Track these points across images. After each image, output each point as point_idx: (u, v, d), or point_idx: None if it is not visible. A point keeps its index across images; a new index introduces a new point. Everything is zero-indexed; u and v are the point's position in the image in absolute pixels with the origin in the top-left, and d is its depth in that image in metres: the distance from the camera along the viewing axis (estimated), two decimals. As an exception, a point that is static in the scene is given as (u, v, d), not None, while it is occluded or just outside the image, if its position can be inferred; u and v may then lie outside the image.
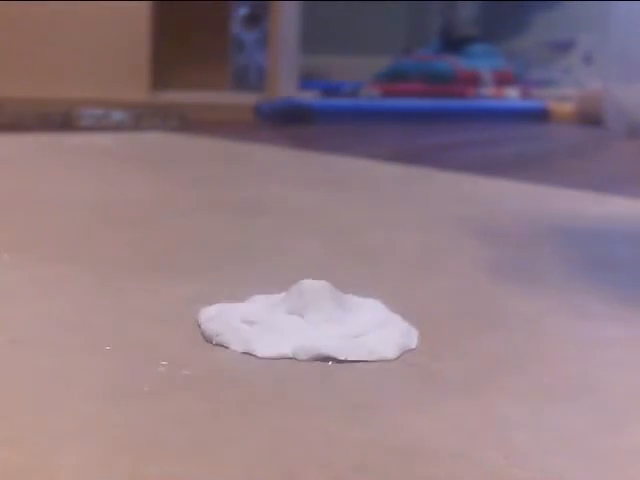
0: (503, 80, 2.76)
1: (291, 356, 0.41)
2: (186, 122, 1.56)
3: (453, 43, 3.03)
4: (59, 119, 1.44)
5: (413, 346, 0.43)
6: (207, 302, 0.47)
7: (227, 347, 0.42)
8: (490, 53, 2.94)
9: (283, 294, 0.45)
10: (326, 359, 0.41)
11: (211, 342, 0.43)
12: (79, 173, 0.99)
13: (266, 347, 0.41)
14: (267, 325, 0.43)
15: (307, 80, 2.51)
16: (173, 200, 0.84)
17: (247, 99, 2.07)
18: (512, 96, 2.59)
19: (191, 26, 2.29)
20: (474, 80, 2.73)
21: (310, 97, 2.26)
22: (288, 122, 1.88)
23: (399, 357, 0.42)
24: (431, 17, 3.35)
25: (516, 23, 3.28)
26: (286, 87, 2.14)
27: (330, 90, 2.59)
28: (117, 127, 1.46)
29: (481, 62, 2.83)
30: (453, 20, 3.28)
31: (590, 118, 2.09)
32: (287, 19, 2.15)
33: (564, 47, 3.06)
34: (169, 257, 0.61)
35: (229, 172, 1.06)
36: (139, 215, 0.75)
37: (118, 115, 1.46)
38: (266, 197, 0.88)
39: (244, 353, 0.41)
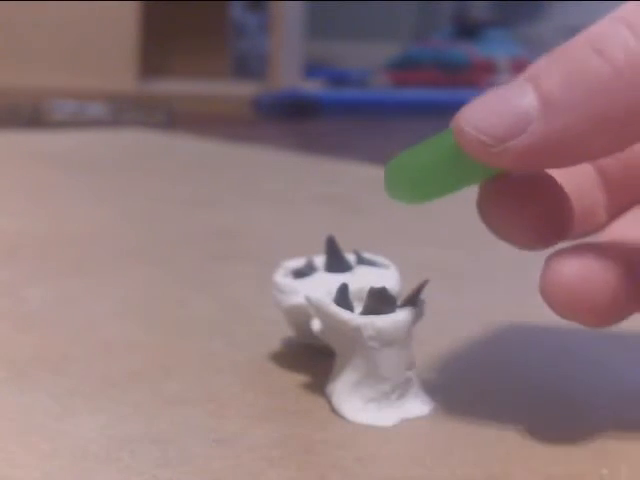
0: (521, 68, 2.66)
1: None
2: (175, 116, 1.38)
3: (467, 29, 2.96)
4: (26, 114, 1.25)
5: None
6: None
7: None
8: (506, 39, 2.86)
9: None
10: None
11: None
12: (14, 190, 0.81)
13: None
14: None
15: (312, 67, 2.41)
16: (118, 236, 0.66)
17: (245, 90, 1.89)
18: (532, 86, 2.49)
19: (187, 8, 2.12)
20: (490, 68, 2.63)
21: (315, 86, 2.13)
22: (291, 116, 1.71)
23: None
24: (444, 1, 3.25)
25: (533, 7, 3.16)
26: (289, 75, 2.05)
27: (337, 78, 2.48)
28: (94, 122, 1.27)
29: (497, 49, 2.74)
30: (467, 4, 3.18)
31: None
32: (291, 1, 2.03)
33: (584, 33, 3.01)
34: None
35: (210, 190, 0.88)
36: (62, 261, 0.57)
37: (95, 109, 1.27)
38: (249, 229, 0.70)
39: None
